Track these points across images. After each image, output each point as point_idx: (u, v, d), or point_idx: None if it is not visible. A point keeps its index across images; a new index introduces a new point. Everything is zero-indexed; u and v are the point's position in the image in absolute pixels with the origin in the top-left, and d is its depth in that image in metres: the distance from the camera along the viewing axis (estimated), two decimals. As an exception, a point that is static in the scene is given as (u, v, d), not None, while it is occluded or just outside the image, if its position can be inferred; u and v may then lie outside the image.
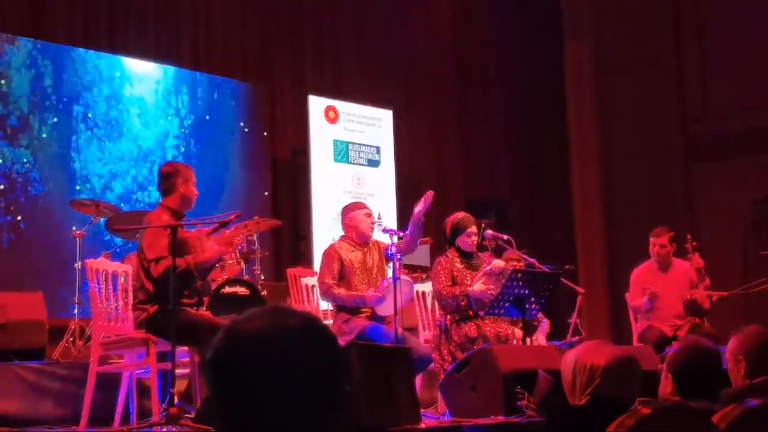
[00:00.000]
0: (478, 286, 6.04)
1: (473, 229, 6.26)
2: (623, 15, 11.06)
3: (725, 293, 7.39)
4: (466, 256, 6.30)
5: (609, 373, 3.03)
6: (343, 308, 6.09)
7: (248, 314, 1.53)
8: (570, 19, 11.36)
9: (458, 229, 6.29)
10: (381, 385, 4.83)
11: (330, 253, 6.18)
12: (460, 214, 6.39)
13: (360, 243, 6.23)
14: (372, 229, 6.27)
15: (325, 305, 6.85)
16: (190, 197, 5.34)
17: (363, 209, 6.31)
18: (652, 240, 7.44)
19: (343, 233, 6.38)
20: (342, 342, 5.56)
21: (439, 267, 6.26)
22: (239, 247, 6.23)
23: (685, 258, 7.41)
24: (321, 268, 6.22)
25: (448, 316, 6.16)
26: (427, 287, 6.95)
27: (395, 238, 6.16)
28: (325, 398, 1.48)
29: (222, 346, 1.50)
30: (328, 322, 6.30)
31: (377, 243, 6.34)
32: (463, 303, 6.07)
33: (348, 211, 6.34)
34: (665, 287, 7.29)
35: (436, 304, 6.62)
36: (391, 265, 6.15)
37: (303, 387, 1.46)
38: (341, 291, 6.02)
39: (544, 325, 7.36)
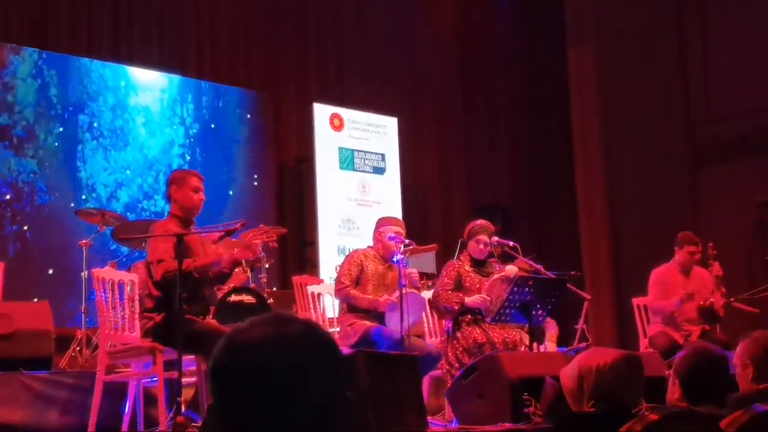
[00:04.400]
0: (475, 298, 6.06)
1: (483, 237, 6.29)
2: (625, 20, 11.05)
3: (732, 299, 7.36)
4: (477, 262, 6.32)
5: (615, 370, 3.03)
6: (350, 311, 6.10)
7: (249, 322, 1.53)
8: (573, 25, 11.36)
9: (471, 235, 6.34)
10: (387, 391, 4.82)
11: (354, 257, 6.28)
12: (479, 221, 6.45)
13: (384, 257, 6.27)
14: (399, 248, 6.29)
15: (331, 312, 6.86)
16: (185, 204, 5.32)
17: (395, 226, 6.33)
18: (689, 248, 7.27)
19: (372, 243, 6.44)
20: (345, 345, 5.59)
21: (445, 269, 6.34)
22: (260, 253, 6.22)
23: (706, 265, 7.36)
24: (341, 268, 6.31)
25: (458, 318, 6.17)
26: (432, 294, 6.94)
27: (401, 246, 6.17)
28: (326, 405, 1.48)
29: (223, 354, 1.50)
30: (335, 330, 6.31)
31: (396, 268, 6.39)
32: (456, 308, 6.08)
33: (381, 224, 6.40)
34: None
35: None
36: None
37: (304, 394, 1.46)
38: (356, 292, 6.07)
39: (552, 329, 7.35)
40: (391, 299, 6.01)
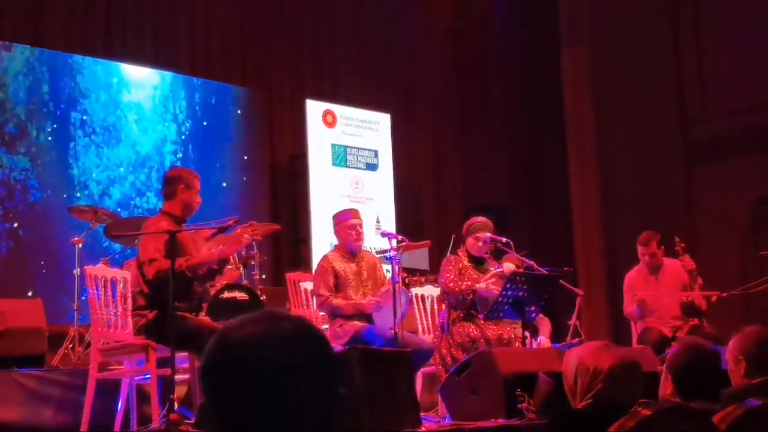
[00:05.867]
0: (486, 284, 6.06)
1: (482, 234, 6.31)
2: (621, 18, 11.05)
3: (724, 294, 7.38)
4: (474, 259, 6.34)
5: (612, 377, 3.01)
6: (336, 316, 6.08)
7: (241, 319, 1.53)
8: (568, 24, 11.36)
9: (470, 231, 6.37)
10: (381, 388, 4.82)
11: (323, 266, 6.17)
12: (479, 218, 6.48)
13: (352, 253, 6.23)
14: (359, 240, 6.22)
15: (324, 310, 6.84)
16: (191, 204, 5.32)
17: (348, 221, 6.25)
18: (640, 249, 7.40)
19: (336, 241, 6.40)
20: (336, 346, 5.57)
21: (446, 264, 6.34)
22: (247, 247, 6.19)
23: (677, 259, 7.40)
24: (315, 280, 6.20)
25: (452, 313, 6.17)
26: (426, 290, 6.96)
27: (394, 242, 6.16)
28: (319, 402, 1.48)
29: (215, 352, 1.50)
30: (325, 327, 6.30)
31: (369, 256, 6.37)
32: (468, 297, 6.09)
33: (335, 222, 6.35)
34: (658, 290, 7.29)
35: (439, 300, 6.66)
36: (387, 271, 6.16)
37: (296, 391, 1.46)
38: (339, 301, 6.02)
39: (545, 325, 7.36)
40: (375, 299, 5.98)
